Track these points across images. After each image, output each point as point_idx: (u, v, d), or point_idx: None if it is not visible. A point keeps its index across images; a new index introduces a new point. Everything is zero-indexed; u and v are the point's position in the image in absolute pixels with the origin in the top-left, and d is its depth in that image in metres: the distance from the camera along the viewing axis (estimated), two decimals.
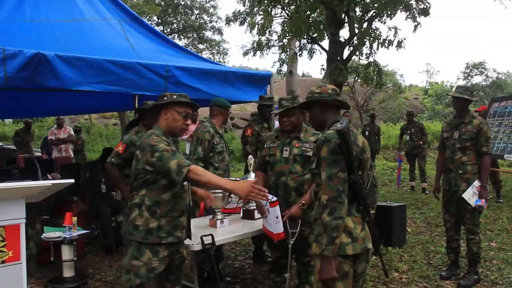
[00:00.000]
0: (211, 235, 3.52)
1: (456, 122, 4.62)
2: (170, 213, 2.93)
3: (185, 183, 2.96)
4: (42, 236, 4.66)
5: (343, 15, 11.12)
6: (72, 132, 10.91)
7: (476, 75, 32.02)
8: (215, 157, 4.41)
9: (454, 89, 4.76)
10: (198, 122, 7.80)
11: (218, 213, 4.01)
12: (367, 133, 11.78)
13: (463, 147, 4.49)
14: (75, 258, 4.68)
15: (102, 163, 6.15)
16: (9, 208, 2.36)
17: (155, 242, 2.90)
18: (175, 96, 3.01)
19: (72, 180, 2.78)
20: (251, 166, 4.37)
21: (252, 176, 4.22)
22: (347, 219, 2.49)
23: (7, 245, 2.36)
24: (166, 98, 3.01)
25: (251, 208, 4.37)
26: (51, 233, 4.66)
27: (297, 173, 3.59)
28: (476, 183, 4.39)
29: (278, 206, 3.44)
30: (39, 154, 11.23)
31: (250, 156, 4.48)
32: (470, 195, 4.39)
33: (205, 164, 4.29)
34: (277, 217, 3.46)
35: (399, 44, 11.68)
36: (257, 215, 4.33)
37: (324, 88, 2.74)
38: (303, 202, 3.49)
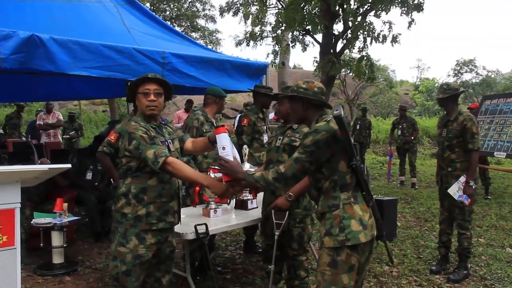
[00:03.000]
0: (205, 224, 3.50)
1: (445, 119, 4.65)
2: (158, 199, 2.89)
3: None
4: (31, 222, 4.61)
5: (337, 8, 11.09)
6: (61, 117, 10.75)
7: (466, 72, 32.17)
8: None
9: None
10: (191, 111, 7.77)
11: (212, 202, 3.99)
12: (358, 127, 11.82)
13: (451, 144, 4.52)
14: (65, 245, 4.65)
15: (91, 150, 6.11)
16: (4, 192, 2.31)
17: (145, 229, 2.87)
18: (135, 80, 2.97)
19: (69, 165, 2.74)
20: (245, 156, 4.34)
21: (247, 166, 4.19)
22: (356, 206, 2.50)
23: (2, 229, 2.31)
24: (130, 84, 2.98)
25: (245, 198, 4.36)
26: (41, 219, 4.62)
27: (283, 162, 3.57)
28: (462, 178, 4.42)
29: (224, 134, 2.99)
30: (24, 139, 11.05)
31: (245, 146, 4.44)
32: (456, 190, 4.43)
33: None
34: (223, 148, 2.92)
35: (394, 40, 11.71)
36: (250, 205, 4.32)
37: (311, 84, 2.70)
38: (290, 193, 3.46)
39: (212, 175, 3.79)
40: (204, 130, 4.35)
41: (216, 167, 3.98)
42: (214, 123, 4.48)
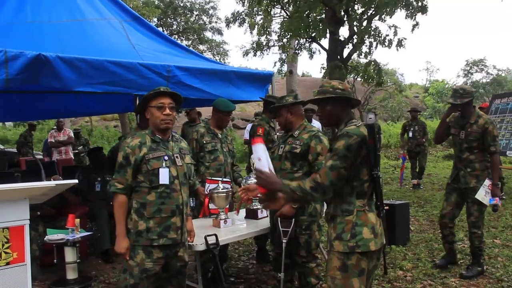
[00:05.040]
0: (215, 235, 3.52)
1: (462, 121, 4.62)
2: (157, 214, 2.92)
3: (175, 181, 2.97)
4: (45, 238, 4.65)
5: (342, 14, 11.11)
6: (72, 134, 10.89)
7: (476, 72, 31.95)
8: (206, 156, 4.41)
9: (450, 95, 4.76)
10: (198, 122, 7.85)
11: (222, 213, 4.00)
12: None
13: (470, 147, 4.53)
14: (78, 260, 4.68)
15: (93, 164, 6.17)
16: (13, 209, 2.35)
17: (147, 245, 2.90)
18: (147, 93, 3.01)
19: (76, 181, 2.78)
20: (254, 166, 4.36)
21: (253, 177, 4.23)
22: (370, 214, 2.51)
23: (11, 246, 2.34)
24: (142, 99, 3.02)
25: (255, 207, 4.37)
26: (54, 235, 4.65)
27: (286, 169, 3.59)
28: (487, 181, 4.43)
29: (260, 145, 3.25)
30: (41, 156, 11.22)
31: (253, 156, 4.46)
32: (483, 195, 4.43)
33: (196, 163, 4.27)
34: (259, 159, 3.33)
35: (400, 44, 11.70)
36: (260, 214, 4.33)
37: (346, 85, 2.70)
38: None
39: (207, 185, 3.85)
40: (205, 142, 4.39)
41: (213, 178, 4.01)
42: (219, 135, 4.49)
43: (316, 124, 9.72)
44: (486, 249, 5.36)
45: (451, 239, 4.81)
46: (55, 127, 11.05)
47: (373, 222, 2.49)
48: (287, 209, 3.48)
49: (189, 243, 3.31)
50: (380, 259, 2.64)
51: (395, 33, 11.78)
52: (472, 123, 4.53)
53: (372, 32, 11.47)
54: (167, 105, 2.95)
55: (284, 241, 3.47)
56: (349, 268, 2.46)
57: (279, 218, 3.50)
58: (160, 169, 2.91)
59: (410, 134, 10.35)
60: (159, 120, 2.95)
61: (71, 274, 4.65)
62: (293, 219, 3.49)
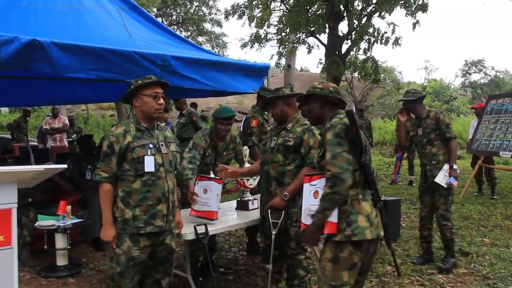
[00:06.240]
0: (205, 224, 3.53)
1: (416, 121, 4.91)
2: (143, 202, 2.93)
3: (161, 169, 2.98)
4: (35, 224, 4.66)
5: (342, 9, 11.10)
6: (67, 122, 10.87)
7: (474, 72, 32.05)
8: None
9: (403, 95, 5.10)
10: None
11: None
12: None
13: (429, 139, 4.80)
14: (68, 247, 4.70)
15: (83, 152, 6.19)
16: (0, 192, 2.35)
17: (134, 233, 2.92)
18: (140, 81, 3.00)
19: (65, 166, 2.79)
20: (246, 157, 4.38)
21: (247, 166, 4.24)
22: (364, 203, 2.53)
23: None
24: (132, 86, 3.01)
25: (245, 199, 4.38)
26: (44, 221, 4.66)
27: (278, 162, 3.58)
28: (446, 166, 4.67)
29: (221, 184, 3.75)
30: (35, 143, 11.21)
31: (245, 148, 4.48)
32: (442, 178, 4.65)
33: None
34: (218, 194, 3.77)
35: (396, 42, 11.71)
36: (251, 205, 4.34)
37: (326, 84, 2.81)
38: (286, 193, 3.49)
39: (196, 183, 3.83)
40: (207, 154, 4.29)
41: (204, 175, 3.95)
42: (218, 147, 4.35)
43: None
44: (474, 247, 5.42)
45: (429, 239, 5.01)
46: (50, 114, 11.01)
47: (368, 211, 2.52)
48: (277, 201, 3.50)
49: (179, 232, 3.33)
50: (377, 253, 2.66)
51: (393, 31, 11.80)
52: (425, 117, 4.83)
53: (371, 30, 11.47)
54: (160, 94, 3.00)
55: (274, 232, 3.48)
56: (340, 260, 2.48)
57: (269, 210, 3.52)
58: (145, 157, 2.92)
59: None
60: (153, 109, 2.98)
61: (61, 261, 4.67)
62: (283, 211, 3.50)
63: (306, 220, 2.58)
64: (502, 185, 9.85)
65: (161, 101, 3.00)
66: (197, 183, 3.87)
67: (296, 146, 3.55)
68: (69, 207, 4.76)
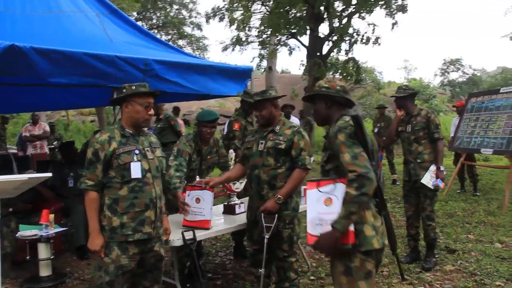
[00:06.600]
0: (192, 230, 3.49)
1: (407, 118, 4.93)
2: (131, 209, 2.87)
3: (147, 175, 2.94)
4: (17, 235, 4.55)
5: (322, 11, 11.16)
6: (48, 129, 10.67)
7: (452, 71, 32.53)
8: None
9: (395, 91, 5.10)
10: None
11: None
12: None
13: (417, 137, 4.82)
14: (52, 257, 4.59)
15: (65, 159, 6.10)
16: None
17: (122, 241, 2.86)
18: (134, 87, 2.95)
19: (50, 174, 2.71)
20: (232, 161, 4.34)
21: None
22: (368, 212, 2.37)
23: None
24: (125, 90, 2.96)
25: (232, 203, 4.34)
26: (27, 231, 4.55)
27: (269, 166, 3.55)
28: (432, 167, 4.70)
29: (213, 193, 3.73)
30: (15, 151, 10.97)
31: (231, 151, 4.45)
32: (428, 179, 4.69)
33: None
34: (211, 203, 3.74)
35: (376, 41, 11.82)
36: (238, 209, 4.31)
37: (333, 83, 2.63)
38: (279, 196, 3.46)
39: (187, 192, 3.75)
40: (192, 159, 4.24)
41: (194, 185, 3.87)
42: (203, 151, 4.30)
43: (295, 120, 9.76)
44: (460, 244, 5.47)
45: (417, 237, 5.04)
46: (30, 120, 10.80)
47: (372, 220, 2.38)
48: (271, 204, 3.46)
49: (167, 239, 3.28)
50: (381, 262, 2.52)
51: (373, 31, 11.91)
52: (415, 115, 4.85)
53: (351, 31, 11.56)
54: (151, 105, 3.00)
55: (267, 236, 3.45)
56: (353, 271, 2.34)
57: (262, 214, 3.48)
58: (131, 163, 2.87)
59: (376, 130, 10.45)
60: (143, 119, 2.97)
61: (45, 271, 4.56)
62: (276, 215, 3.47)
63: (314, 230, 2.38)
64: (484, 182, 9.98)
65: (152, 111, 2.99)
66: (188, 194, 3.78)
67: (287, 148, 3.52)
68: (52, 216, 4.66)
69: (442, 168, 4.70)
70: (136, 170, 2.87)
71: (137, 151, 2.93)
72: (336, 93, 2.59)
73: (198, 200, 3.72)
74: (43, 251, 4.53)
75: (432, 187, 4.66)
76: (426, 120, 4.77)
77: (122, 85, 3.02)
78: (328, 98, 2.60)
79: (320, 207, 2.38)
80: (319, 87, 2.64)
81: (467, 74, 32.05)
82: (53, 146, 10.88)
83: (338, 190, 2.32)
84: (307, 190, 2.46)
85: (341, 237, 2.27)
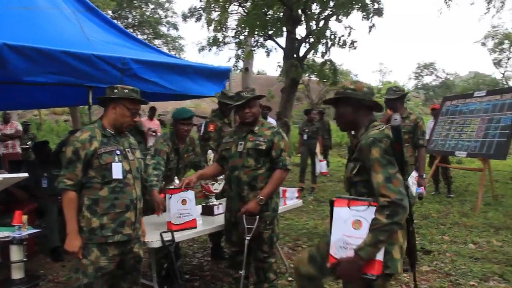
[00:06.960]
0: (171, 231, 3.44)
1: None
2: (111, 210, 2.83)
3: (128, 176, 2.90)
4: None
5: (300, 13, 11.22)
6: (20, 128, 10.41)
7: (426, 75, 33.16)
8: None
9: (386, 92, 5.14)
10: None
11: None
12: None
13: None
14: (25, 259, 4.47)
15: (38, 158, 5.99)
16: None
17: (101, 242, 2.81)
18: (126, 91, 2.93)
19: (26, 174, 2.64)
20: (210, 162, 4.31)
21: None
22: (400, 232, 2.24)
23: None
24: (116, 91, 2.92)
25: (211, 204, 4.31)
26: None
27: (249, 167, 3.53)
28: (414, 173, 4.75)
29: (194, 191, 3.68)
30: None
31: (210, 152, 4.41)
32: (410, 185, 4.67)
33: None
34: (194, 201, 3.72)
35: (352, 44, 11.94)
36: (216, 210, 4.28)
37: (359, 85, 2.44)
38: (261, 197, 3.44)
39: (168, 196, 3.68)
40: (170, 158, 4.23)
41: (175, 188, 3.80)
42: (180, 149, 4.30)
43: (272, 121, 9.76)
44: (435, 245, 5.55)
45: None
46: (1, 119, 10.52)
47: (401, 241, 2.28)
48: (253, 205, 3.44)
49: (144, 240, 3.23)
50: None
51: (350, 34, 12.02)
52: (404, 117, 4.83)
53: (328, 33, 11.65)
54: (138, 112, 3.03)
55: (248, 238, 3.42)
56: None
57: (244, 215, 3.45)
58: (112, 163, 2.82)
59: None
60: (127, 124, 2.97)
61: (17, 274, 4.43)
62: (258, 216, 3.45)
63: (338, 253, 2.20)
64: (457, 184, 10.18)
65: (137, 118, 3.04)
66: (170, 197, 3.67)
67: (268, 149, 3.51)
68: (25, 217, 4.53)
69: (424, 175, 4.78)
70: (117, 171, 2.82)
71: (118, 152, 2.88)
72: (363, 96, 2.39)
73: (184, 201, 3.65)
74: (16, 254, 4.40)
75: (414, 195, 4.70)
76: (414, 124, 4.83)
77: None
78: (354, 101, 2.39)
79: (348, 229, 2.20)
80: (344, 89, 2.43)
81: (441, 78, 32.75)
82: (27, 146, 10.61)
83: (370, 214, 2.16)
84: (336, 207, 2.26)
85: (366, 265, 2.12)
